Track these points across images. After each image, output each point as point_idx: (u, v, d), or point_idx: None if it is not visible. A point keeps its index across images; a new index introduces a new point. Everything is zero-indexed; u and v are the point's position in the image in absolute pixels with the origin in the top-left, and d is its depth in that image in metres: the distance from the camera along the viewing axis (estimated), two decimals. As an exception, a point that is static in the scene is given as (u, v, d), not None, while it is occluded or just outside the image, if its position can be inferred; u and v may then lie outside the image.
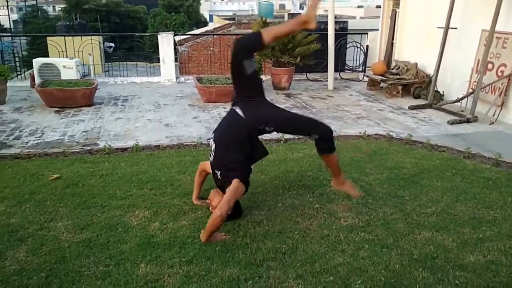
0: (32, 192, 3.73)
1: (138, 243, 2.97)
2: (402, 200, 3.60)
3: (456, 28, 7.11)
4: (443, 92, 7.37)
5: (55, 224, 3.20)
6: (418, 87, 7.66)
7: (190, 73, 14.96)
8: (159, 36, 9.00)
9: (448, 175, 4.14)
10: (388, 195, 3.69)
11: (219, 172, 3.19)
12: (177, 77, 9.24)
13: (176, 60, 19.10)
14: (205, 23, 35.68)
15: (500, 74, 6.29)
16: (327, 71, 8.62)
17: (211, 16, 40.94)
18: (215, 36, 14.39)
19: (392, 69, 8.26)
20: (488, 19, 6.16)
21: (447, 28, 6.96)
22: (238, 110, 3.15)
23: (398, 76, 7.88)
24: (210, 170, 3.35)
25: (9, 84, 7.46)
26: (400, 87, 7.72)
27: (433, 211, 3.40)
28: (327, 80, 8.68)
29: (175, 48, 19.15)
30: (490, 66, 6.45)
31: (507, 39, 6.22)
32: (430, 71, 7.51)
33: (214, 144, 3.24)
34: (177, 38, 18.29)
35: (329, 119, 6.37)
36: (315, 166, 4.37)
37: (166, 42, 8.85)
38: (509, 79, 6.14)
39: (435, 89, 7.22)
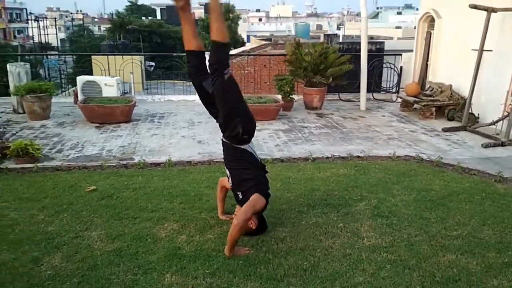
0: (70, 202, 3.96)
1: (165, 254, 3.10)
2: (428, 222, 3.59)
3: (491, 51, 7.00)
4: (478, 114, 7.23)
5: (89, 233, 3.39)
6: (452, 109, 7.56)
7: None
8: (195, 56, 9.29)
9: (478, 198, 4.08)
10: (413, 217, 3.68)
11: (240, 193, 3.32)
12: (211, 96, 9.49)
13: (212, 79, 19.60)
14: (242, 44, 36.35)
15: (537, 97, 6.14)
16: (359, 92, 8.64)
17: (248, 37, 41.68)
18: (251, 56, 14.67)
19: (426, 90, 8.19)
20: (525, 41, 6.06)
21: (481, 50, 6.88)
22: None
23: (432, 98, 7.81)
24: (229, 186, 3.48)
25: (53, 100, 7.91)
26: (433, 109, 7.64)
27: (459, 234, 3.37)
28: (359, 101, 8.70)
29: (212, 68, 19.69)
30: (527, 88, 6.31)
31: (545, 62, 6.08)
32: (465, 93, 7.40)
33: (227, 170, 3.39)
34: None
35: (359, 139, 6.39)
36: (341, 185, 4.41)
37: (202, 62, 9.14)
38: (547, 102, 5.99)
39: (470, 111, 7.10)
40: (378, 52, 12.87)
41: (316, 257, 3.08)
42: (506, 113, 6.44)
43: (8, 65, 7.98)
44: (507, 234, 3.39)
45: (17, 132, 6.49)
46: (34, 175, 4.68)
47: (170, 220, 3.61)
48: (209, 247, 3.20)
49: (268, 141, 6.28)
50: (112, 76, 9.15)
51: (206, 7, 50.68)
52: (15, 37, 51.03)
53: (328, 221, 3.62)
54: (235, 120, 3.20)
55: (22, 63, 8.32)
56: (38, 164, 4.91)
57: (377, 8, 77.34)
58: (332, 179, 4.63)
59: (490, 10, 6.69)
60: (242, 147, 3.31)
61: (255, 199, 3.17)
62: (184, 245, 3.23)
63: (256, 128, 7.02)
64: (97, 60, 10.46)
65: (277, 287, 2.74)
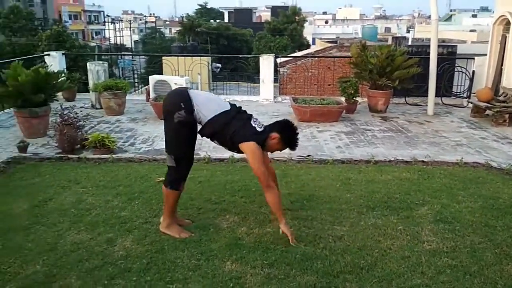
0: (141, 191, 4.26)
1: (226, 243, 3.26)
2: (493, 230, 3.46)
3: None
4: (558, 122, 6.77)
5: (157, 220, 3.63)
6: (528, 116, 7.13)
7: (289, 93, 15.42)
8: (260, 58, 9.52)
9: (551, 209, 3.86)
10: (478, 224, 3.57)
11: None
12: (274, 97, 9.66)
13: (276, 81, 19.83)
14: (307, 46, 36.35)
15: None
16: (427, 96, 8.39)
17: (313, 39, 41.54)
18: (315, 59, 14.67)
19: (500, 96, 7.78)
20: None
21: None
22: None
23: (505, 104, 7.41)
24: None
25: (127, 97, 8.44)
26: (507, 116, 7.25)
27: (527, 244, 3.23)
28: (427, 105, 8.45)
29: (276, 70, 19.92)
30: None
31: None
32: (544, 99, 6.96)
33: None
34: (279, 60, 18.97)
35: (425, 144, 6.23)
36: (403, 189, 4.36)
37: (266, 63, 9.34)
38: None
39: (549, 119, 6.67)
40: (449, 55, 12.38)
41: (373, 257, 3.09)
42: None
43: (88, 64, 8.64)
44: None
45: (94, 126, 7.03)
46: (109, 165, 5.06)
47: (231, 212, 3.77)
48: (267, 239, 3.32)
49: (329, 142, 6.30)
50: (181, 76, 9.58)
51: (273, 9, 51.18)
52: (93, 38, 54.60)
53: (388, 223, 3.61)
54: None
55: (101, 62, 8.97)
56: (113, 155, 5.30)
57: (450, 10, 73.75)
58: (394, 182, 4.57)
59: None
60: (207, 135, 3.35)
61: (247, 149, 3.22)
62: (244, 236, 3.37)
63: (318, 129, 7.08)
64: (168, 61, 11.01)
65: (333, 282, 2.79)
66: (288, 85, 18.47)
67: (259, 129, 3.33)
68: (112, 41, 35.86)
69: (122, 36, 36.26)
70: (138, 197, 4.12)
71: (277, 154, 5.52)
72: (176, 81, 8.96)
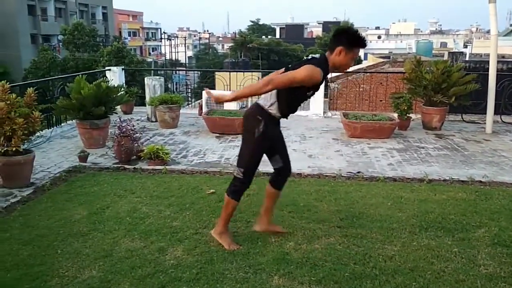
0: (192, 202, 4.38)
1: (274, 257, 3.28)
2: (558, 257, 3.25)
3: None
4: None
5: (207, 231, 3.72)
6: None
7: (339, 109, 15.26)
8: (311, 73, 9.54)
9: None
10: (541, 250, 3.37)
11: None
12: (324, 112, 9.62)
13: (326, 96, 19.71)
14: (359, 61, 35.90)
15: None
16: (485, 113, 8.03)
17: (365, 54, 40.98)
18: (367, 74, 14.48)
19: None
20: None
21: None
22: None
23: None
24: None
25: (181, 111, 8.72)
26: None
27: None
28: (485, 123, 8.09)
29: (326, 85, 19.82)
30: None
31: None
32: None
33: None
34: (329, 75, 18.90)
35: (482, 163, 5.97)
36: (459, 210, 4.19)
37: (317, 78, 9.33)
38: None
39: None
40: (509, 71, 11.81)
41: (426, 279, 2.99)
42: None
43: (145, 79, 9.04)
44: None
45: (150, 138, 7.32)
46: (162, 176, 5.24)
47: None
48: (315, 256, 3.30)
49: (380, 159, 6.18)
50: (233, 91, 9.78)
51: (324, 25, 51.16)
52: (150, 54, 56.97)
53: (442, 245, 3.48)
54: None
55: (158, 77, 9.35)
56: (167, 167, 5.49)
57: (511, 25, 70.40)
58: (449, 202, 4.41)
59: None
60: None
61: (301, 69, 3.08)
62: (292, 252, 3.37)
63: (369, 145, 6.98)
64: (220, 76, 11.29)
65: (382, 303, 2.73)
66: (339, 100, 18.30)
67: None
68: (168, 56, 37.25)
69: (177, 52, 37.61)
70: (189, 208, 4.23)
71: (327, 170, 5.53)
72: (227, 96, 9.16)
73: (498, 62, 9.18)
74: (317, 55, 3.26)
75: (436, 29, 79.84)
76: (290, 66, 3.32)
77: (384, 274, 3.06)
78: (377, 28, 77.94)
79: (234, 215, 4.01)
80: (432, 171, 5.57)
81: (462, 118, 9.03)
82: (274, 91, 3.24)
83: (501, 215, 4.04)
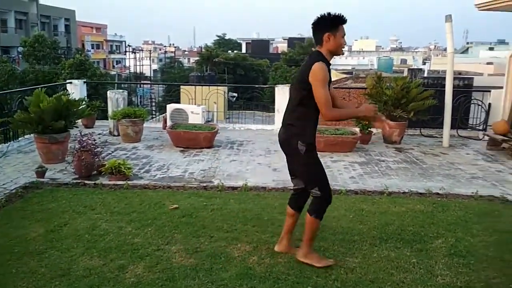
0: (154, 218, 4.30)
1: (237, 272, 3.26)
2: (508, 265, 3.39)
3: None
4: None
5: (169, 247, 3.66)
6: (547, 150, 7.04)
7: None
8: (276, 88, 9.67)
9: None
10: (493, 258, 3.50)
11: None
12: (290, 126, 9.72)
13: (292, 110, 19.96)
14: (323, 77, 36.60)
15: None
16: (442, 128, 8.35)
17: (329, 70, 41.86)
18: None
19: (517, 129, 7.71)
20: None
21: None
22: None
23: (523, 137, 7.33)
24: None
25: (145, 125, 8.61)
26: (525, 149, 7.16)
27: (544, 281, 3.15)
28: (442, 137, 8.40)
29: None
30: None
31: None
32: (562, 133, 6.87)
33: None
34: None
35: (440, 176, 6.18)
36: (417, 221, 4.31)
37: (281, 93, 9.45)
38: None
39: None
40: (465, 88, 12.33)
41: (385, 290, 3.05)
42: None
43: (108, 92, 8.89)
44: None
45: (112, 152, 7.17)
46: (124, 192, 5.13)
47: (243, 241, 3.78)
48: (279, 270, 3.31)
49: (343, 172, 6.30)
50: (198, 105, 9.77)
51: (289, 41, 52.02)
52: (113, 67, 56.07)
53: (401, 256, 3.56)
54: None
55: (121, 90, 9.21)
56: (129, 182, 5.38)
57: (467, 43, 73.87)
58: (408, 214, 4.53)
59: None
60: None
61: (314, 68, 3.08)
62: (255, 266, 3.36)
63: (332, 159, 7.09)
64: (185, 90, 11.24)
65: (344, 315, 2.75)
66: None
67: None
68: (132, 69, 36.80)
69: (142, 65, 37.22)
70: (151, 224, 4.16)
71: (291, 183, 5.57)
72: (192, 110, 9.15)
73: (455, 78, 9.60)
74: (311, 55, 3.25)
75: (397, 46, 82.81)
76: (293, 76, 3.38)
77: (346, 286, 3.09)
78: (340, 44, 79.88)
79: (198, 230, 4.00)
80: (392, 183, 5.72)
81: (420, 132, 9.34)
82: (295, 111, 3.27)
83: (457, 226, 4.19)
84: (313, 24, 3.20)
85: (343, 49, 3.27)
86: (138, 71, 36.42)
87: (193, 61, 47.37)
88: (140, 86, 25.43)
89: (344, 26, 3.15)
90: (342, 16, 3.15)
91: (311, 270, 3.29)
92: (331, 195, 3.36)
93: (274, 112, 9.96)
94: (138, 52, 38.19)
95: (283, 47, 56.38)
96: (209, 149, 7.54)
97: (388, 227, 4.16)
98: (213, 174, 6.04)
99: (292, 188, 3.60)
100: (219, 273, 3.26)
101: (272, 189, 5.32)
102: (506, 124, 7.80)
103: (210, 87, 12.03)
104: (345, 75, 23.79)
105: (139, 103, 19.19)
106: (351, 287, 3.08)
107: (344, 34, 3.18)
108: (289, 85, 3.39)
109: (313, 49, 3.40)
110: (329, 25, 3.14)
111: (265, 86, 20.49)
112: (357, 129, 8.23)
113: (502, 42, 65.41)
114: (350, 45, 76.61)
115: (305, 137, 3.27)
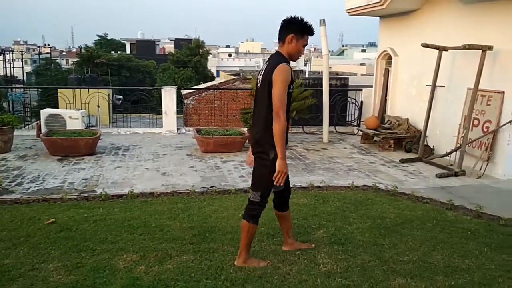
0: (27, 235, 3.90)
1: (123, 285, 3.09)
2: (381, 248, 3.73)
3: (444, 86, 7.46)
4: (433, 146, 7.60)
5: (46, 266, 3.35)
6: (409, 141, 7.91)
7: (194, 125, 15.41)
8: (162, 90, 9.46)
9: (429, 225, 4.28)
10: (368, 243, 3.82)
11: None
12: (178, 129, 9.59)
13: (181, 112, 19.72)
14: (212, 78, 36.89)
15: (485, 130, 6.54)
16: (322, 125, 8.93)
17: (218, 72, 42.30)
18: (219, 90, 14.93)
19: (385, 123, 8.56)
20: (473, 78, 6.49)
21: (434, 86, 7.32)
22: None
23: (390, 131, 8.16)
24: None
25: (16, 133, 7.80)
26: (392, 141, 7.97)
27: (410, 259, 3.52)
28: (322, 133, 8.98)
29: (181, 101, 19.83)
30: (476, 122, 6.72)
31: (491, 97, 6.52)
32: (421, 126, 7.78)
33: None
34: (184, 91, 18.98)
35: (321, 170, 6.58)
36: (301, 214, 4.53)
37: (168, 95, 9.29)
38: (494, 135, 6.38)
39: (426, 143, 7.46)
40: (342, 87, 13.38)
41: (273, 284, 3.14)
42: (458, 145, 6.80)
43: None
44: (455, 258, 3.56)
45: (-25, 165, 6.35)
46: (-9, 209, 4.58)
47: (129, 251, 3.61)
48: (168, 276, 3.22)
49: (233, 172, 6.38)
50: (77, 109, 9.13)
51: (176, 42, 51.36)
52: (-21, 69, 49.90)
53: (287, 249, 3.71)
54: None
55: (-15, 95, 8.21)
56: (-4, 197, 4.82)
57: (343, 45, 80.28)
58: (293, 208, 4.70)
59: (441, 49, 7.17)
60: None
61: (278, 70, 3.09)
62: (143, 276, 3.23)
63: (222, 159, 7.15)
64: (63, 94, 10.43)
65: (234, 314, 2.77)
66: (194, 116, 18.48)
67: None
68: (2, 72, 33.15)
69: (13, 67, 33.70)
70: (24, 242, 3.76)
71: (181, 187, 5.49)
72: (71, 115, 8.54)
73: (332, 78, 10.35)
74: (272, 56, 3.31)
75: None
76: (258, 81, 3.30)
77: (235, 284, 3.12)
78: (228, 46, 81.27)
79: (78, 244, 3.73)
80: (279, 180, 5.93)
81: (303, 130, 9.89)
82: (266, 113, 3.17)
83: (336, 216, 4.49)
84: (283, 21, 3.26)
85: (299, 57, 3.35)
86: (9, 74, 32.87)
87: (72, 62, 44.30)
88: (12, 91, 22.99)
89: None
90: (312, 28, 3.24)
91: (201, 273, 3.26)
92: (267, 201, 3.38)
93: (162, 114, 9.72)
94: (8, 53, 34.47)
95: (170, 48, 55.45)
96: (91, 156, 7.10)
97: (275, 222, 4.26)
98: (95, 183, 5.68)
99: (274, 191, 3.48)
100: (103, 288, 3.06)
101: (161, 194, 5.19)
102: (376, 120, 8.61)
103: (92, 89, 11.33)
104: (233, 76, 24.22)
105: (11, 109, 17.30)
106: (240, 285, 3.11)
107: (306, 45, 3.28)
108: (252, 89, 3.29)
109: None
110: (297, 29, 3.20)
111: (151, 88, 19.91)
112: (245, 129, 8.41)
113: (373, 44, 72.23)
114: (237, 47, 78.27)
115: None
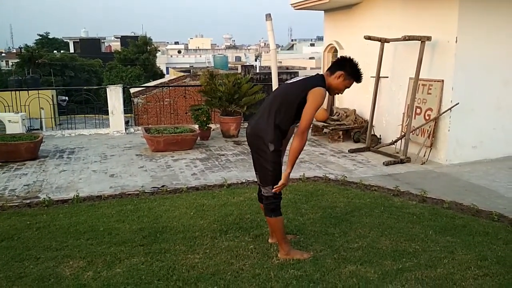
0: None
1: (69, 292, 2.97)
2: (332, 237, 3.80)
3: (387, 77, 7.71)
4: (380, 135, 7.85)
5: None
6: (357, 132, 8.13)
7: (144, 124, 15.06)
8: (107, 89, 9.16)
9: (377, 212, 4.41)
10: (319, 233, 3.88)
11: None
12: (126, 128, 9.33)
13: (131, 112, 19.21)
14: (161, 75, 36.22)
15: (427, 117, 6.83)
16: (273, 119, 8.97)
17: (167, 69, 41.59)
18: (169, 88, 14.67)
19: (333, 115, 8.74)
20: (414, 68, 6.75)
21: (378, 77, 7.55)
22: None
23: (338, 122, 8.35)
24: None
25: (-51, 140, 7.29)
26: (341, 132, 8.16)
27: (359, 246, 3.61)
28: (273, 127, 9.03)
29: (130, 100, 19.32)
30: (418, 110, 7.00)
31: (431, 86, 6.81)
32: (368, 116, 8.01)
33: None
34: (133, 90, 18.50)
35: (273, 164, 6.61)
36: (254, 209, 4.53)
37: (114, 94, 9.01)
38: (435, 122, 6.67)
39: (372, 133, 7.69)
40: (291, 81, 13.50)
41: (226, 280, 3.12)
42: (403, 133, 7.06)
43: None
44: (402, 243, 3.69)
45: None
46: None
47: (76, 258, 3.46)
48: (117, 281, 3.12)
49: (184, 170, 6.29)
50: (16, 112, 8.67)
51: (122, 39, 49.98)
52: None
53: (240, 244, 3.69)
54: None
55: None
56: None
57: (292, 40, 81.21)
58: (245, 203, 4.74)
59: (383, 41, 7.39)
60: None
61: (314, 93, 3.22)
62: (91, 282, 3.11)
63: (173, 158, 7.03)
64: (1, 97, 9.86)
65: (187, 314, 2.73)
66: (144, 115, 18.08)
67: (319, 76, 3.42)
68: None
69: None
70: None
71: (130, 188, 5.34)
72: (10, 118, 8.10)
73: (283, 72, 10.43)
74: (315, 75, 3.45)
75: (231, 44, 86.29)
76: (284, 86, 3.47)
77: (187, 284, 3.07)
78: (177, 43, 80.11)
79: (21, 254, 3.54)
80: (232, 175, 5.93)
81: (255, 124, 9.89)
82: (277, 114, 3.36)
83: (289, 208, 4.53)
84: (342, 58, 3.43)
85: (336, 93, 3.51)
86: None
87: (12, 63, 42.04)
88: None
89: (354, 84, 3.40)
90: (361, 76, 3.40)
91: (152, 274, 3.19)
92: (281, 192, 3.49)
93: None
94: None
95: (116, 45, 53.92)
96: (34, 161, 6.77)
97: (228, 218, 4.29)
98: (39, 189, 5.42)
99: (258, 183, 3.62)
100: (48, 297, 2.92)
101: (109, 197, 5.03)
102: (326, 112, 8.76)
103: (32, 91, 10.78)
104: (183, 74, 23.90)
105: None
106: (192, 284, 3.06)
107: (347, 87, 3.43)
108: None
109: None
110: (350, 70, 3.34)
111: (95, 87, 19.21)
112: (196, 126, 8.31)
113: (321, 38, 73.39)
114: (187, 44, 77.33)
115: (275, 142, 3.41)
